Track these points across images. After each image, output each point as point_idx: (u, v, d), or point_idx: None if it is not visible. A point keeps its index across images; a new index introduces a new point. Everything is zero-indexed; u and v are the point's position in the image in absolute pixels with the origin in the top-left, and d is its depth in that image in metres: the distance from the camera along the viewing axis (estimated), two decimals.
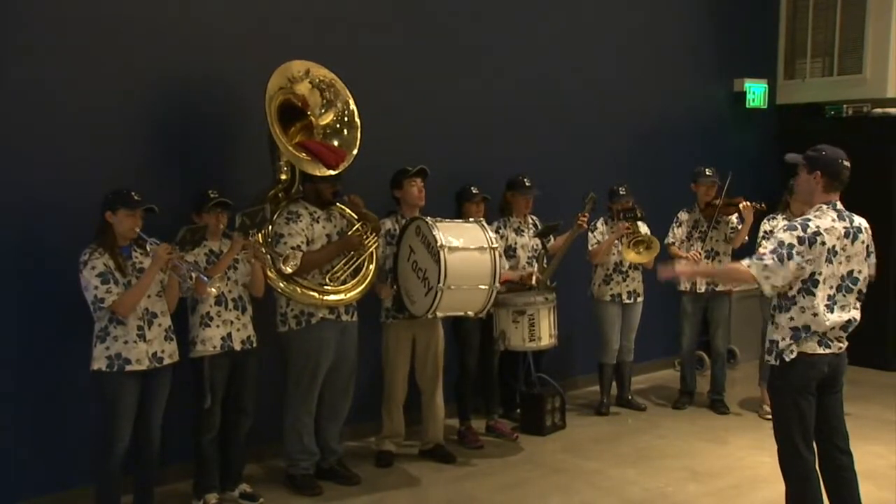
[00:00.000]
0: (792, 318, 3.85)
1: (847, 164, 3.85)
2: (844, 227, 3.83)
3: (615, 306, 6.42)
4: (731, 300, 7.10)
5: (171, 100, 5.03)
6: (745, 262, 3.87)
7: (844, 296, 3.87)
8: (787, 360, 3.86)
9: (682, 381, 6.84)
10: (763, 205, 6.24)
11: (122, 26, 4.82)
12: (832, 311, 3.83)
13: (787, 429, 3.93)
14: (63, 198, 4.60)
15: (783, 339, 3.88)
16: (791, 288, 3.85)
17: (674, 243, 6.50)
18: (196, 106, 5.13)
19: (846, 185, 3.89)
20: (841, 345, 3.91)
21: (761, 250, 3.83)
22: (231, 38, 5.23)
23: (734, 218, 6.42)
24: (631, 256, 6.17)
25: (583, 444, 5.86)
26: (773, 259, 3.75)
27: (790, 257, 3.74)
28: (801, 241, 3.75)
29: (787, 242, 3.76)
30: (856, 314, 3.90)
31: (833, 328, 3.84)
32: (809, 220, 3.82)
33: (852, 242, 3.84)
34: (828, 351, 3.86)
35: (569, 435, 6.07)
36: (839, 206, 3.89)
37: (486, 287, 5.03)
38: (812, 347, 3.84)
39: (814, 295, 3.81)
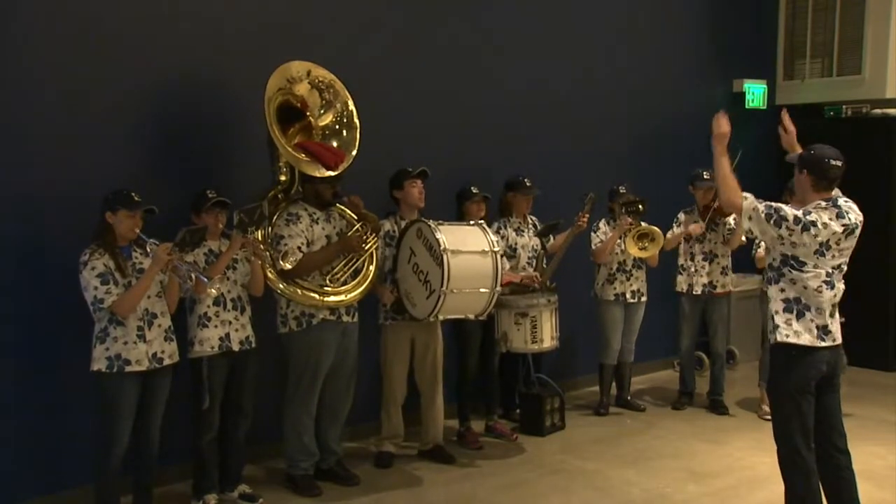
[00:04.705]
0: (783, 290, 3.93)
1: (836, 163, 3.87)
2: (843, 225, 3.85)
3: (618, 306, 6.42)
4: (730, 301, 7.11)
5: (171, 100, 5.03)
6: (746, 194, 3.96)
7: (834, 280, 3.93)
8: (781, 340, 3.88)
9: (682, 381, 6.85)
10: None
11: (122, 26, 4.82)
12: (832, 288, 3.89)
13: (787, 429, 3.94)
14: (63, 198, 4.60)
15: (777, 312, 3.93)
16: (774, 259, 3.94)
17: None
18: (196, 106, 5.13)
19: (836, 183, 3.91)
20: (835, 336, 3.94)
21: (763, 202, 3.91)
22: (231, 39, 5.23)
23: (731, 220, 6.42)
24: (634, 251, 6.16)
25: (582, 445, 5.86)
26: (764, 211, 3.85)
27: (777, 224, 3.82)
28: (796, 220, 3.81)
29: (782, 213, 3.83)
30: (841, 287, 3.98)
31: (828, 310, 3.90)
32: (811, 211, 3.85)
33: (846, 238, 3.88)
34: (823, 344, 3.88)
35: (568, 435, 6.07)
36: (839, 202, 3.90)
37: (487, 291, 5.04)
38: (810, 339, 3.87)
39: (802, 272, 3.86)
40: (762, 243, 5.96)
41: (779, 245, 3.88)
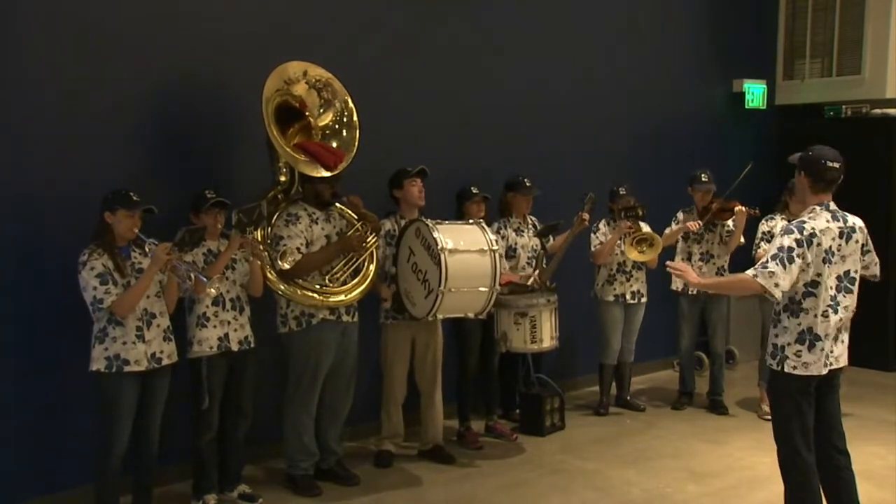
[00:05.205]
0: (800, 323, 3.87)
1: (833, 164, 3.84)
2: (839, 228, 3.84)
3: (618, 307, 6.42)
4: (730, 301, 7.11)
5: (171, 100, 5.03)
6: (750, 272, 3.86)
7: (844, 296, 3.89)
8: (788, 371, 3.87)
9: (681, 381, 6.85)
10: (756, 210, 6.25)
11: (122, 26, 4.82)
12: (836, 313, 3.86)
13: (787, 429, 3.94)
14: (63, 198, 4.60)
15: (789, 343, 3.88)
16: (796, 292, 3.86)
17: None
18: (196, 106, 5.13)
19: (835, 184, 3.88)
20: (840, 354, 3.92)
21: (767, 259, 3.82)
22: (231, 39, 5.23)
23: (730, 222, 6.42)
24: (634, 255, 6.18)
25: (582, 445, 5.86)
26: (776, 265, 3.76)
27: (791, 261, 3.76)
28: (799, 243, 3.77)
29: (786, 246, 3.77)
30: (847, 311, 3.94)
31: (833, 335, 3.86)
32: (805, 222, 3.83)
33: (846, 242, 3.86)
34: (825, 371, 3.88)
35: (568, 435, 6.07)
36: (832, 206, 3.89)
37: (487, 289, 5.04)
38: (818, 369, 3.85)
39: (816, 296, 3.82)
40: (762, 243, 5.97)
41: (802, 275, 3.80)
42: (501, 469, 5.42)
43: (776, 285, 3.77)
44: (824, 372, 3.87)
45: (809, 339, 3.85)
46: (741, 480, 5.21)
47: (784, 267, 3.75)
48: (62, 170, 4.63)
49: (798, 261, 3.77)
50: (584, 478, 5.26)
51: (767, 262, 3.79)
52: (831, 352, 3.88)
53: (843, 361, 3.96)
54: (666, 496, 4.99)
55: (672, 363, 7.56)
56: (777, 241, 3.83)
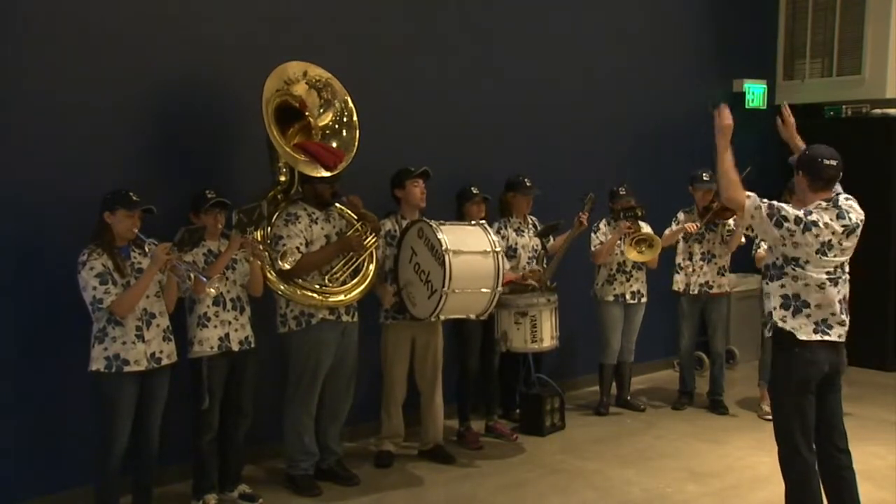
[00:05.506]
0: (783, 286, 3.91)
1: (830, 162, 3.86)
2: (843, 226, 3.84)
3: (618, 307, 6.42)
4: (730, 301, 7.11)
5: (171, 100, 5.03)
6: (749, 193, 3.91)
7: (840, 277, 3.92)
8: (779, 326, 3.89)
9: (682, 381, 6.85)
10: None
11: (122, 26, 4.82)
12: (835, 285, 3.87)
13: (788, 428, 3.94)
14: (62, 198, 4.60)
15: (775, 308, 3.92)
16: (777, 258, 3.92)
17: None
18: (196, 106, 5.13)
19: (833, 182, 3.91)
20: (840, 332, 3.92)
21: (766, 201, 3.88)
22: (231, 38, 5.23)
23: (731, 221, 6.42)
24: (633, 255, 6.19)
25: (582, 445, 5.86)
26: (766, 211, 3.83)
27: (777, 224, 3.81)
28: (797, 220, 3.80)
29: (783, 212, 3.82)
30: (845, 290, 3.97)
31: (830, 307, 3.87)
32: (812, 211, 3.85)
33: (847, 237, 3.88)
34: (819, 338, 3.86)
35: (568, 435, 6.07)
36: (839, 201, 3.89)
37: (489, 291, 5.04)
38: (807, 335, 3.85)
39: (805, 269, 3.84)
40: (763, 243, 5.97)
41: (780, 246, 3.86)
42: (501, 469, 5.42)
43: (752, 217, 3.84)
44: (815, 338, 3.84)
45: (795, 304, 3.88)
46: (741, 480, 5.21)
47: (769, 220, 3.81)
48: (62, 170, 4.62)
49: (782, 231, 3.80)
50: (584, 478, 5.26)
51: (763, 203, 3.83)
52: (825, 321, 3.86)
53: (842, 336, 3.93)
54: (666, 496, 4.99)
55: (672, 363, 7.56)
56: (781, 204, 3.86)
